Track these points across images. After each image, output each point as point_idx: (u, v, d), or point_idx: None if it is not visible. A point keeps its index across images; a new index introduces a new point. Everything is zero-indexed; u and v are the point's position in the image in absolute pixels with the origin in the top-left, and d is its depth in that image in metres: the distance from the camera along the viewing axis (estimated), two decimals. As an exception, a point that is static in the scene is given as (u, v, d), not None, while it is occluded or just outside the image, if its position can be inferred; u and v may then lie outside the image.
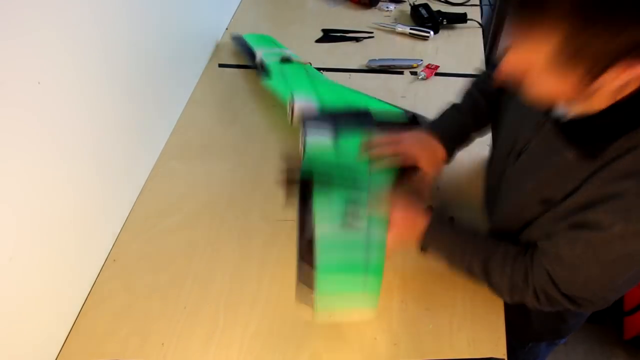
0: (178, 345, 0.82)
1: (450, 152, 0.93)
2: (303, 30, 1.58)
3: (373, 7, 1.69)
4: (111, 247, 0.96)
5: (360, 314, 0.85)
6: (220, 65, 1.42)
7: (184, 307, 0.87)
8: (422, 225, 0.80)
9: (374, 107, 1.12)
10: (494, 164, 0.88)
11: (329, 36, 1.55)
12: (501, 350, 0.80)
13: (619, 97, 0.59)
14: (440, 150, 0.91)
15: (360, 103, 1.12)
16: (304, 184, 0.83)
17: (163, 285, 0.90)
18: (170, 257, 0.95)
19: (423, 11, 1.58)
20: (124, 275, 0.92)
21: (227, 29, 1.58)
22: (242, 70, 1.40)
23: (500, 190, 0.83)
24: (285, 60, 1.32)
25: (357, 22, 1.62)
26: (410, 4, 1.66)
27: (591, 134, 0.63)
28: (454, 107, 0.97)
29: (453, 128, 0.94)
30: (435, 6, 1.65)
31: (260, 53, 1.35)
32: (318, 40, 1.53)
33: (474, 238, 0.81)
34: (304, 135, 0.97)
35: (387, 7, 1.70)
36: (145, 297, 0.89)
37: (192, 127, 1.22)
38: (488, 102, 0.93)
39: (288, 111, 1.10)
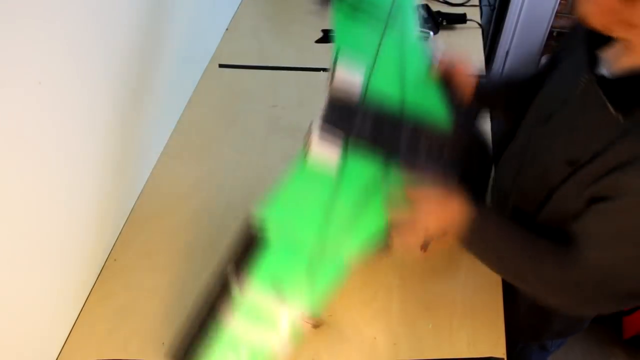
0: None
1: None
2: (303, 30, 1.58)
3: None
4: (111, 247, 0.97)
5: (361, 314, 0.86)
6: (221, 66, 1.42)
7: (184, 307, 0.87)
8: (462, 215, 0.71)
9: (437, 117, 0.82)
10: (519, 137, 0.82)
11: (329, 36, 1.55)
12: (501, 350, 0.81)
13: None
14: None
15: (423, 109, 0.82)
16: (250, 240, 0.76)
17: (163, 285, 0.90)
18: (170, 257, 0.95)
19: (423, 12, 1.58)
20: (124, 275, 0.92)
21: (227, 29, 1.58)
22: (242, 70, 1.40)
23: (525, 157, 0.76)
24: None
25: (357, 22, 1.62)
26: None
27: (632, 93, 0.59)
28: None
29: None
30: (435, 6, 1.65)
31: None
32: (318, 41, 1.53)
33: (522, 238, 0.72)
34: (308, 139, 0.79)
35: (387, 8, 1.70)
36: (145, 297, 0.89)
37: (192, 127, 1.22)
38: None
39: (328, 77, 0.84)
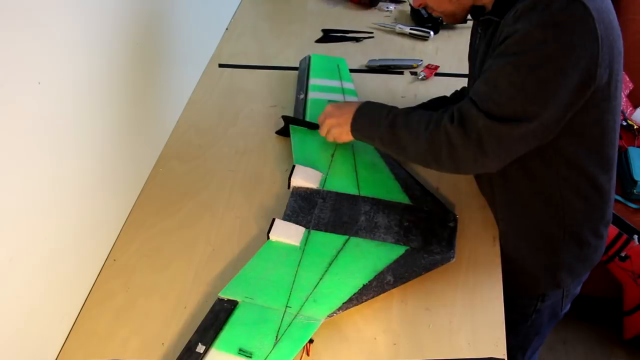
0: (178, 345, 0.82)
1: None
2: (303, 30, 1.58)
3: (373, 8, 1.70)
4: (111, 247, 0.96)
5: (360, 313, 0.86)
6: (220, 66, 1.42)
7: (184, 307, 0.87)
8: (350, 113, 0.98)
9: (391, 197, 1.00)
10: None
11: (329, 36, 1.55)
12: (501, 350, 0.80)
13: None
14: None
15: (372, 192, 1.01)
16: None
17: (163, 285, 0.90)
18: (170, 257, 0.95)
19: (423, 11, 1.58)
20: (124, 275, 0.92)
21: (227, 29, 1.58)
22: (242, 70, 1.40)
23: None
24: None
25: (357, 22, 1.62)
26: (410, 4, 1.66)
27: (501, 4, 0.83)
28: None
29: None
30: None
31: (310, 85, 1.26)
32: (318, 41, 1.53)
33: (397, 109, 0.93)
34: (268, 231, 0.92)
35: (387, 8, 1.70)
36: (145, 297, 0.89)
37: (192, 127, 1.22)
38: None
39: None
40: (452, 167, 0.85)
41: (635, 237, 1.54)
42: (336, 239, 0.93)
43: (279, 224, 0.94)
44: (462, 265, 0.92)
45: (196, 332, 0.80)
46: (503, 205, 0.96)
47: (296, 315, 0.82)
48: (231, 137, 1.19)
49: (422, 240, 0.93)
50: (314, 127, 1.13)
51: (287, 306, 0.83)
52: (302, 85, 1.29)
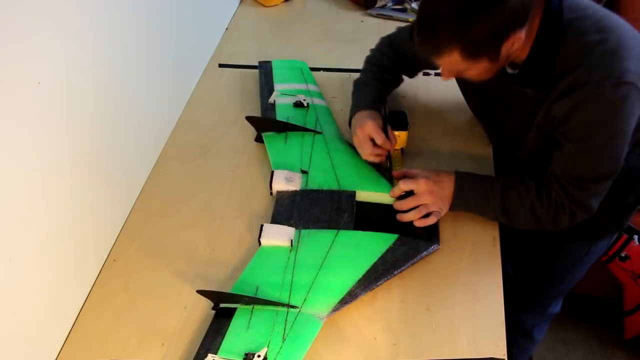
0: (178, 345, 0.82)
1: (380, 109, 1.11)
2: (303, 30, 1.58)
3: (370, 8, 1.69)
4: (111, 247, 0.96)
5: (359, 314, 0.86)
6: (220, 66, 1.42)
7: (184, 307, 0.87)
8: (451, 188, 0.97)
9: (367, 188, 1.03)
10: (493, 119, 1.08)
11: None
12: (501, 350, 0.80)
13: (524, 52, 0.88)
14: (375, 115, 1.08)
15: (352, 185, 1.03)
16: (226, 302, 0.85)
17: (163, 285, 0.90)
18: (170, 257, 0.95)
19: None
20: (124, 275, 0.92)
21: (227, 29, 1.58)
22: (242, 70, 1.40)
23: (504, 141, 1.08)
24: (299, 105, 1.22)
25: (357, 22, 1.62)
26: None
27: (534, 72, 0.90)
28: (363, 84, 1.16)
29: (378, 98, 1.13)
30: None
31: (276, 92, 1.26)
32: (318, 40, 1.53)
33: (497, 184, 0.97)
34: (259, 236, 0.94)
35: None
36: (145, 297, 0.89)
37: (192, 127, 1.22)
38: (393, 68, 1.16)
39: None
40: (564, 227, 0.96)
41: (635, 237, 1.54)
42: (326, 235, 0.94)
43: (268, 228, 0.95)
44: (462, 265, 0.92)
45: (202, 343, 0.80)
46: None
47: (299, 313, 0.82)
48: (231, 137, 1.19)
49: (408, 226, 0.96)
50: (279, 126, 1.15)
51: (289, 306, 0.83)
52: (269, 90, 1.29)
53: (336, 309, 0.83)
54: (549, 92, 0.89)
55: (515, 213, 0.95)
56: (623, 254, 1.55)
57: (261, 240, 0.93)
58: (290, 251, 0.92)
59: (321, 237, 0.94)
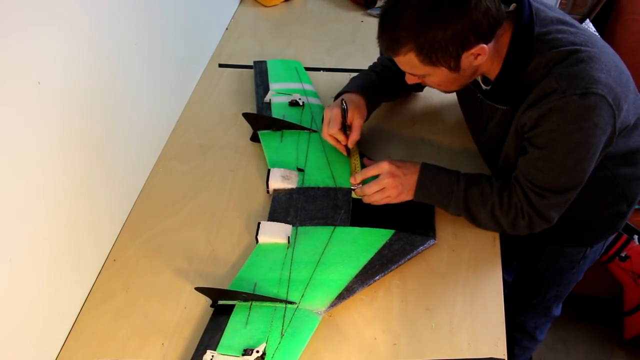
0: (178, 345, 0.82)
1: (370, 100, 1.10)
2: (303, 30, 1.58)
3: (370, 8, 1.69)
4: (111, 247, 0.96)
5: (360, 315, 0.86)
6: (220, 66, 1.42)
7: (184, 307, 0.87)
8: (415, 177, 0.97)
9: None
10: (475, 130, 1.11)
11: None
12: (501, 350, 0.80)
13: (495, 68, 0.89)
14: (361, 99, 1.09)
15: (348, 182, 1.03)
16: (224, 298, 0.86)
17: (163, 285, 0.90)
18: (170, 257, 0.95)
19: None
20: (124, 275, 0.92)
21: (227, 28, 1.58)
22: (242, 70, 1.40)
23: (487, 150, 1.09)
24: (294, 104, 1.23)
25: (357, 22, 1.62)
26: None
27: (505, 90, 0.91)
28: (360, 74, 1.16)
29: (368, 86, 1.13)
30: None
31: (272, 91, 1.27)
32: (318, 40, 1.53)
33: (457, 182, 0.96)
34: (256, 234, 0.94)
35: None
36: (145, 297, 0.89)
37: (192, 127, 1.22)
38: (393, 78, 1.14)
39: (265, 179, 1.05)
40: (522, 233, 0.96)
41: (635, 237, 1.55)
42: (323, 231, 0.95)
43: (266, 225, 0.95)
44: (462, 265, 0.92)
45: (200, 339, 0.80)
46: None
47: (297, 309, 0.82)
48: (231, 137, 1.19)
49: (405, 221, 0.97)
50: (276, 123, 1.16)
51: (287, 302, 0.83)
52: (264, 89, 1.29)
53: (334, 304, 0.84)
54: (519, 107, 0.89)
55: (476, 212, 0.95)
56: (623, 254, 1.55)
57: (258, 237, 0.94)
58: (288, 248, 0.92)
59: (318, 234, 0.95)
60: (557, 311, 1.33)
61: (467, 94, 1.04)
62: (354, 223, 0.96)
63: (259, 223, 0.95)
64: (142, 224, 1.01)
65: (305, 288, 0.85)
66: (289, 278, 0.87)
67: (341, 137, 1.06)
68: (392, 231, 0.94)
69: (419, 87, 1.21)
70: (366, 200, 0.99)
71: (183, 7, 1.24)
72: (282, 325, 0.80)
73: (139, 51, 1.03)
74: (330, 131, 1.05)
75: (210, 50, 1.46)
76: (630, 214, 1.10)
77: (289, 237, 0.93)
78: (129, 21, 0.98)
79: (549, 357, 1.68)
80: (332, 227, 0.95)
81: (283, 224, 0.96)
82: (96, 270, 0.92)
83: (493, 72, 0.90)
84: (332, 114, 1.05)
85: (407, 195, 0.97)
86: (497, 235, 0.97)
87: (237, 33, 1.56)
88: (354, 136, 1.05)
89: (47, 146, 0.75)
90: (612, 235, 1.20)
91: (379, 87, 1.14)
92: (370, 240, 0.93)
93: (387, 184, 0.96)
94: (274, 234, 0.94)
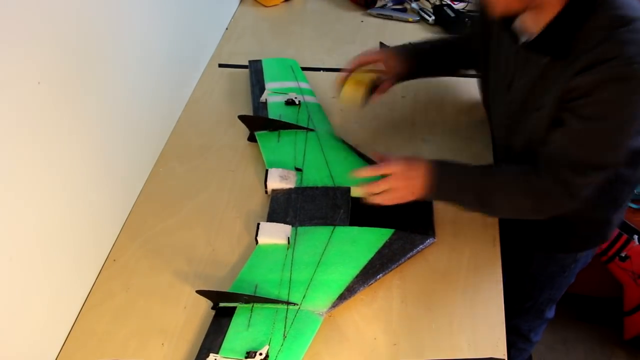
0: (178, 345, 0.82)
1: (409, 63, 1.08)
2: (303, 30, 1.58)
3: (370, 8, 1.69)
4: (111, 247, 0.96)
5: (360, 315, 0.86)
6: (220, 65, 1.42)
7: (184, 307, 0.87)
8: (424, 177, 0.89)
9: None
10: (493, 98, 1.02)
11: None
12: (501, 351, 0.80)
13: (547, 16, 0.80)
14: (398, 57, 1.07)
15: (346, 181, 1.02)
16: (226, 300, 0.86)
17: (163, 285, 0.90)
18: (170, 257, 0.95)
19: (449, 11, 1.54)
20: (124, 275, 0.92)
21: (227, 29, 1.58)
22: (242, 70, 1.40)
23: (506, 117, 0.98)
24: (290, 103, 1.22)
25: (357, 22, 1.62)
26: (432, 3, 1.63)
27: (552, 42, 0.82)
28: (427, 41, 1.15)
29: (418, 51, 1.11)
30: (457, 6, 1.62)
31: (268, 90, 1.26)
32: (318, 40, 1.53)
33: (476, 170, 0.92)
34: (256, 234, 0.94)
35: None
36: (145, 297, 0.89)
37: (192, 127, 1.22)
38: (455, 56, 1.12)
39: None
40: (543, 216, 0.91)
41: (635, 237, 1.54)
42: (323, 231, 0.95)
43: (265, 226, 0.95)
44: (462, 265, 0.92)
45: (203, 342, 0.80)
46: None
47: (299, 310, 0.82)
48: (231, 137, 1.19)
49: (404, 220, 0.95)
50: (272, 124, 1.16)
51: (288, 303, 0.83)
52: (260, 88, 1.29)
53: (335, 304, 0.84)
54: (567, 65, 0.80)
55: (493, 202, 0.89)
56: (623, 254, 1.55)
57: (258, 238, 0.93)
58: (288, 249, 0.92)
59: (318, 234, 0.94)
60: (550, 313, 1.32)
61: (494, 49, 0.96)
62: (353, 222, 0.96)
63: (258, 224, 0.95)
64: (142, 224, 1.01)
65: (307, 289, 0.85)
66: (290, 279, 0.87)
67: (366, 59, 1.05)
68: (392, 230, 0.94)
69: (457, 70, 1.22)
70: (372, 200, 0.92)
71: (183, 7, 1.24)
72: (285, 327, 0.80)
73: (139, 51, 1.03)
74: (361, 60, 1.04)
75: (210, 50, 1.46)
76: (616, 224, 1.09)
77: (288, 237, 0.93)
78: (129, 21, 0.98)
79: (549, 357, 1.68)
80: (331, 227, 0.95)
81: (282, 224, 0.96)
82: (96, 270, 0.92)
83: (539, 24, 0.82)
84: (371, 53, 1.06)
85: (416, 196, 0.91)
86: (497, 235, 0.97)
87: (237, 33, 1.56)
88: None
89: (46, 147, 0.75)
90: (600, 243, 1.18)
91: (428, 54, 1.12)
92: (370, 240, 0.92)
93: (397, 185, 0.90)
94: (274, 234, 0.94)
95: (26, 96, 0.70)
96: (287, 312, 0.82)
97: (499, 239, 0.97)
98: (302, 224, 0.97)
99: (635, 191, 1.58)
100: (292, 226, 0.96)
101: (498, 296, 0.88)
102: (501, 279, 0.91)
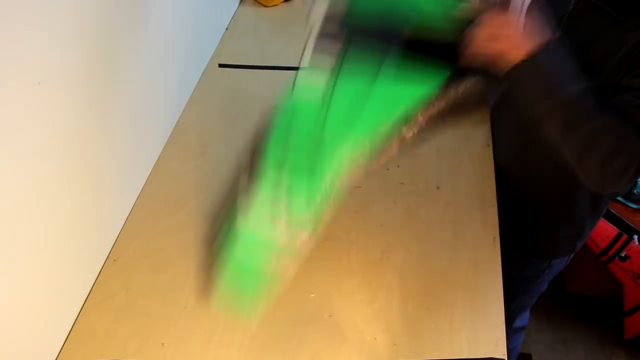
0: (178, 345, 0.82)
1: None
2: (303, 30, 1.58)
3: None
4: (111, 247, 0.96)
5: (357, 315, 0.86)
6: (220, 66, 1.42)
7: (184, 307, 0.87)
8: (532, 46, 0.73)
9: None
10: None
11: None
12: (501, 350, 0.80)
13: None
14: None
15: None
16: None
17: (163, 285, 0.90)
18: (170, 257, 0.95)
19: None
20: (124, 275, 0.92)
21: (227, 29, 1.58)
22: (242, 70, 1.40)
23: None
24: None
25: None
26: None
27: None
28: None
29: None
30: None
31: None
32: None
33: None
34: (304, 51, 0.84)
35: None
36: (145, 297, 0.89)
37: (192, 128, 1.22)
38: None
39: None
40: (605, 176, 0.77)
41: (635, 237, 1.54)
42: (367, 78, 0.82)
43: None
44: (462, 265, 0.93)
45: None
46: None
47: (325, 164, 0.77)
48: (231, 137, 1.19)
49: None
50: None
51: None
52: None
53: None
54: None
55: (576, 124, 0.74)
56: (623, 254, 1.55)
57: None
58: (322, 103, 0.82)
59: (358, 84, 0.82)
60: (521, 322, 1.30)
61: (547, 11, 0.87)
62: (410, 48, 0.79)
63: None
64: (142, 224, 1.01)
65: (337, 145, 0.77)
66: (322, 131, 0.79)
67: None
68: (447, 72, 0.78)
69: None
70: (471, 49, 0.76)
71: (183, 7, 1.24)
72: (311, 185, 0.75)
73: (139, 51, 1.03)
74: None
75: (210, 50, 1.46)
76: (587, 235, 1.10)
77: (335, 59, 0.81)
78: (129, 21, 0.98)
79: (549, 357, 1.68)
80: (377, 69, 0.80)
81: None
82: (96, 270, 0.92)
83: None
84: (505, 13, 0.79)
85: (514, 55, 0.74)
86: (497, 235, 0.97)
87: (237, 33, 1.56)
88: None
89: (46, 147, 0.75)
90: (569, 253, 1.14)
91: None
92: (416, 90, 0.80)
93: (505, 34, 0.75)
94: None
95: (26, 96, 0.70)
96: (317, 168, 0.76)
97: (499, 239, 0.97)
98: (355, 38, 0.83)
99: (635, 191, 1.60)
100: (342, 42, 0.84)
101: (498, 296, 0.88)
102: (501, 279, 0.91)
